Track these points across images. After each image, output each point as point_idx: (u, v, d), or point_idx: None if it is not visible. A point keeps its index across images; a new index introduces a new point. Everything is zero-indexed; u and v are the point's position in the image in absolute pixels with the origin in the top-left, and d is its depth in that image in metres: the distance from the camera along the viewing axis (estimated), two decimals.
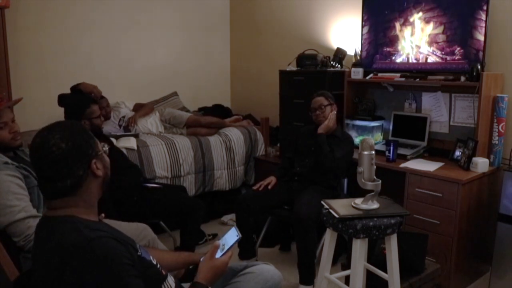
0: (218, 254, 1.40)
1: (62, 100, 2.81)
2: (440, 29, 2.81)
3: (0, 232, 1.71)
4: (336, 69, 3.38)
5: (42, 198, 1.82)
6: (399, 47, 3.04)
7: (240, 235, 1.47)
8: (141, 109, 3.67)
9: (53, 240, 1.10)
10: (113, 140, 3.05)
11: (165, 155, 3.30)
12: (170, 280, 1.34)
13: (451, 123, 2.94)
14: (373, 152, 1.87)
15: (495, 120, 2.61)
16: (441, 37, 2.81)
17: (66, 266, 1.05)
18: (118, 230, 1.22)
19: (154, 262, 1.31)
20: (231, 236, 1.47)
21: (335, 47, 3.52)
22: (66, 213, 1.15)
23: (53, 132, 1.15)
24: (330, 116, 2.77)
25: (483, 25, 2.59)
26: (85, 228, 1.11)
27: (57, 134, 1.14)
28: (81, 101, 2.65)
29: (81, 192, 1.17)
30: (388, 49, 3.12)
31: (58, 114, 2.72)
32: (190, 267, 1.71)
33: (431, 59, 2.89)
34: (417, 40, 2.94)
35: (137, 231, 2.18)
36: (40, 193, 1.82)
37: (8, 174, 1.73)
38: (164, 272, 1.34)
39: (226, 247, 1.42)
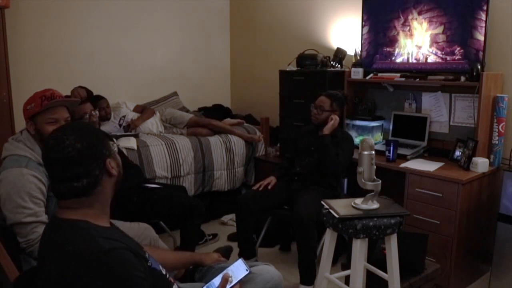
0: (227, 287, 1.42)
1: None
2: (440, 29, 2.81)
3: (1, 231, 1.71)
4: (336, 69, 3.38)
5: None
6: (399, 47, 3.04)
7: (250, 270, 1.48)
8: (142, 115, 3.66)
9: (66, 246, 1.07)
10: (113, 140, 3.05)
11: (165, 155, 3.30)
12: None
13: (451, 123, 2.94)
14: (373, 152, 1.87)
15: (495, 120, 2.61)
16: (441, 37, 2.81)
17: (79, 276, 1.03)
18: (129, 237, 1.21)
19: (164, 272, 1.31)
20: (239, 269, 1.48)
21: (335, 47, 3.52)
22: (79, 215, 1.13)
23: (67, 133, 1.13)
24: (335, 117, 2.73)
25: (483, 25, 2.59)
26: (100, 237, 1.09)
27: (71, 135, 1.12)
28: None
29: (97, 192, 1.15)
30: (388, 49, 3.12)
31: None
32: (191, 267, 1.72)
33: (431, 59, 2.89)
34: (417, 40, 2.94)
35: (139, 231, 2.17)
36: None
37: (34, 176, 1.73)
38: (172, 280, 1.34)
39: (234, 281, 1.43)
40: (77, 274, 1.04)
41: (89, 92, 3.35)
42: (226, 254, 1.98)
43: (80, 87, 3.35)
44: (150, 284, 1.13)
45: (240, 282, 1.44)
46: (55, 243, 1.11)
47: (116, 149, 1.26)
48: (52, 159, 1.12)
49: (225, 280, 1.42)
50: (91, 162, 1.13)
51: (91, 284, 1.03)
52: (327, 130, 2.72)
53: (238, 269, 1.48)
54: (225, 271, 1.46)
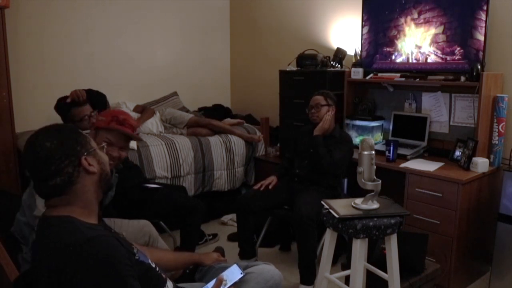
0: None
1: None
2: (440, 29, 2.81)
3: (1, 232, 1.71)
4: (336, 69, 3.38)
5: None
6: (399, 47, 3.04)
7: (244, 273, 1.48)
8: (142, 115, 3.65)
9: (52, 241, 1.10)
10: None
11: (165, 155, 3.30)
12: (170, 284, 1.34)
13: (451, 123, 2.94)
14: (373, 152, 1.87)
15: (495, 120, 2.61)
16: (441, 37, 2.81)
17: (66, 266, 1.05)
18: (117, 233, 1.22)
19: (153, 266, 1.31)
20: (234, 273, 1.49)
21: (335, 47, 3.52)
22: (64, 212, 1.15)
23: (38, 134, 1.17)
24: (325, 118, 2.75)
25: (483, 25, 2.59)
26: (84, 228, 1.11)
27: (41, 135, 1.16)
28: (61, 107, 2.70)
29: (76, 190, 1.16)
30: (388, 49, 3.12)
31: (57, 114, 2.73)
32: (190, 267, 1.72)
33: (431, 59, 2.89)
34: (417, 40, 2.94)
35: (138, 227, 2.18)
36: None
37: None
38: (164, 276, 1.34)
39: (229, 283, 1.43)
40: (63, 264, 1.05)
41: (101, 94, 3.27)
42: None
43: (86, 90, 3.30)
44: (137, 274, 1.13)
45: (235, 285, 1.44)
46: (44, 240, 1.14)
47: (104, 145, 1.26)
48: (26, 162, 1.16)
49: (219, 281, 1.42)
50: (62, 160, 1.14)
51: (78, 272, 1.04)
52: (317, 131, 2.73)
53: (232, 273, 1.49)
54: (219, 275, 1.47)
